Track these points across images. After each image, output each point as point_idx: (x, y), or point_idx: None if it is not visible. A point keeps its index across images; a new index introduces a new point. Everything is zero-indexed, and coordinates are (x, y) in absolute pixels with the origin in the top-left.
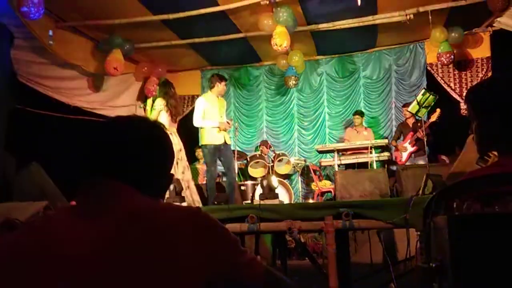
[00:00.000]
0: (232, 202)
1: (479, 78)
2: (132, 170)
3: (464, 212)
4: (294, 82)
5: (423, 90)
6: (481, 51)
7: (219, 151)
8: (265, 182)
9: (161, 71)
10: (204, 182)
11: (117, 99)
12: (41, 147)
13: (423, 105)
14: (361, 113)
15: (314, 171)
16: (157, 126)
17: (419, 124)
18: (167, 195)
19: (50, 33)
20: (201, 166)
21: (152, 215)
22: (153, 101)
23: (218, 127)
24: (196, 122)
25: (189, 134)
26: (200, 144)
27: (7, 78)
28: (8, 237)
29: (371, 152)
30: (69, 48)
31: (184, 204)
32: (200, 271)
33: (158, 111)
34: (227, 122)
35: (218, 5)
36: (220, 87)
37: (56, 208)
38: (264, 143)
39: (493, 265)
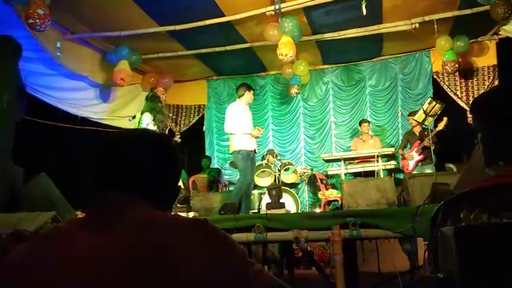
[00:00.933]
0: (247, 210)
1: (485, 86)
2: (140, 183)
3: (472, 222)
4: (296, 90)
5: (429, 99)
6: (487, 59)
7: (249, 158)
8: (274, 192)
9: (168, 81)
10: (211, 191)
11: (124, 110)
12: (49, 158)
13: (430, 114)
14: (367, 122)
15: (321, 180)
16: (166, 140)
17: (426, 133)
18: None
19: (58, 44)
20: (207, 176)
21: (161, 227)
22: (141, 115)
23: (250, 134)
24: (227, 128)
25: (195, 144)
26: (232, 150)
27: (15, 90)
28: (19, 250)
29: (377, 161)
30: (76, 59)
31: (191, 214)
32: (208, 283)
33: (145, 125)
34: (258, 129)
35: (224, 15)
36: (248, 95)
37: (66, 219)
38: (271, 152)
39: (501, 275)
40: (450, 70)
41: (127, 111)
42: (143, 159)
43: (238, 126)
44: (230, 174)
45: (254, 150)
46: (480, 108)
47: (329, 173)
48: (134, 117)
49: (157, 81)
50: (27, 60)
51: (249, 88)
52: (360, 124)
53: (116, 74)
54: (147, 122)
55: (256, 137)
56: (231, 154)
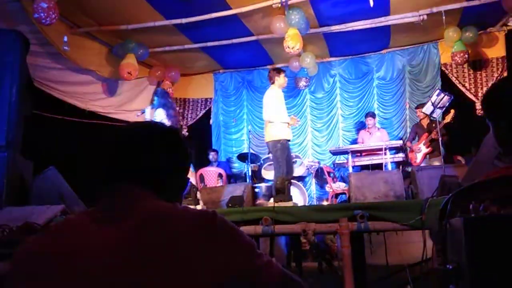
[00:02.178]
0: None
1: (494, 78)
2: (149, 175)
3: (481, 214)
4: (304, 83)
5: (437, 91)
6: (496, 51)
7: (287, 148)
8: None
9: (175, 75)
10: (218, 184)
11: (131, 103)
12: (57, 152)
13: (438, 106)
14: (372, 115)
15: (328, 173)
16: (174, 131)
17: (434, 125)
18: None
19: (65, 39)
20: (214, 169)
21: (170, 219)
22: (153, 110)
23: (288, 123)
24: (266, 116)
25: (202, 137)
26: (270, 140)
27: (23, 84)
28: (30, 242)
29: (385, 153)
30: (83, 53)
31: (199, 206)
32: (217, 274)
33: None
34: (294, 118)
35: (230, 8)
36: (280, 79)
37: (75, 212)
38: None
39: (510, 267)
40: (459, 61)
41: (134, 104)
42: (152, 151)
43: (276, 113)
44: (237, 168)
45: (289, 139)
46: (486, 102)
47: (337, 165)
48: (143, 112)
49: (163, 74)
50: (35, 55)
51: (278, 71)
52: (365, 117)
53: (123, 67)
54: (161, 117)
55: (293, 125)
56: (266, 143)
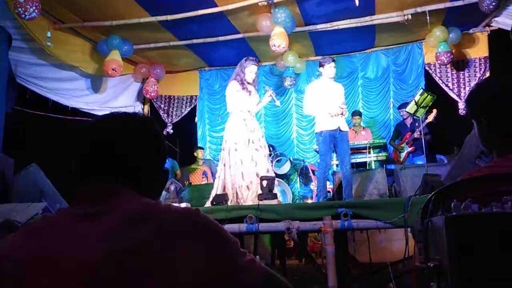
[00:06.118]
0: (350, 196)
1: (477, 78)
2: (126, 170)
3: (462, 212)
4: (289, 82)
5: (421, 90)
6: (479, 51)
7: (335, 139)
8: (264, 183)
9: (160, 72)
10: (203, 182)
11: (116, 100)
12: (39, 149)
13: (421, 105)
14: (359, 114)
15: (313, 171)
16: (149, 123)
17: (417, 124)
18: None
19: (48, 34)
20: (199, 167)
21: (152, 216)
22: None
23: (329, 113)
24: (304, 110)
25: (187, 135)
26: (315, 132)
27: (5, 80)
28: (9, 240)
29: (369, 152)
30: (67, 49)
31: (183, 204)
32: (200, 272)
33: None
34: (340, 107)
35: (216, 6)
36: (324, 69)
37: (55, 209)
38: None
39: (491, 265)
40: (445, 61)
41: (119, 101)
42: (127, 145)
43: (315, 105)
44: None
45: (340, 129)
46: (468, 101)
47: None
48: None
49: (148, 71)
50: (18, 50)
51: (322, 62)
52: (352, 115)
53: (108, 64)
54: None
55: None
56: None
